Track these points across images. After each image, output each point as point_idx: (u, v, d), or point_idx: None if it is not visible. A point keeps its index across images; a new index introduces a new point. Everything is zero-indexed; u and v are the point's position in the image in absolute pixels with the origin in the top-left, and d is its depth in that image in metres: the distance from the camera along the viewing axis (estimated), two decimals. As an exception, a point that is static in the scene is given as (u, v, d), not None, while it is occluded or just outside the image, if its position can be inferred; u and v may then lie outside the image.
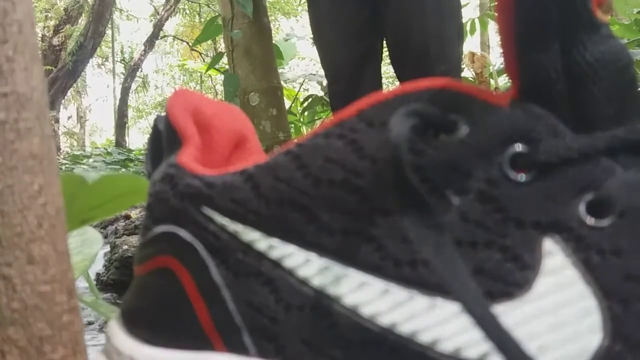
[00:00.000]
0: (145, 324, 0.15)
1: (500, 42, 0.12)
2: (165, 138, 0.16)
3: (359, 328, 0.12)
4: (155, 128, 0.17)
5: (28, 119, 0.15)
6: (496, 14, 0.12)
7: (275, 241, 0.13)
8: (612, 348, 0.11)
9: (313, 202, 0.12)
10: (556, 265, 0.11)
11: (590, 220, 0.11)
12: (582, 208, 0.11)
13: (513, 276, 0.11)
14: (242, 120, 0.18)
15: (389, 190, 0.12)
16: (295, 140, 0.13)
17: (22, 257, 0.16)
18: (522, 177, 0.12)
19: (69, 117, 10.89)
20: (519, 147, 0.12)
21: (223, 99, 1.44)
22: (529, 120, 0.12)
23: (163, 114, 0.17)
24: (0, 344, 0.16)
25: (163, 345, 0.14)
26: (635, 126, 0.12)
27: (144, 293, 0.15)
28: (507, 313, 0.11)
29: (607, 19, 0.12)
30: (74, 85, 6.94)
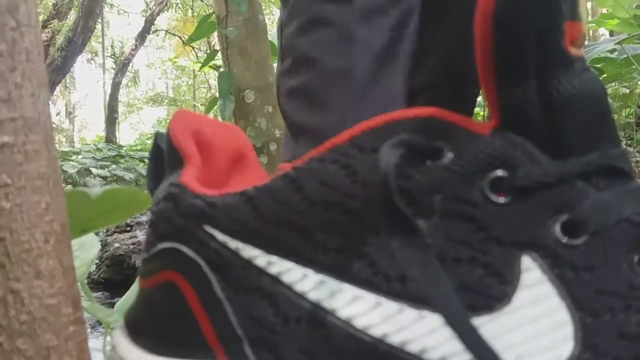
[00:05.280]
0: (149, 335, 0.16)
1: (480, 78, 0.13)
2: (167, 156, 0.17)
3: (352, 338, 0.12)
4: (156, 145, 0.18)
5: (35, 141, 0.16)
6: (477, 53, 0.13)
7: (274, 258, 0.13)
8: (582, 356, 0.11)
9: (309, 222, 0.13)
10: (533, 280, 0.12)
11: (565, 239, 0.12)
12: (557, 228, 0.12)
13: (493, 290, 0.12)
14: (240, 138, 0.19)
15: (378, 212, 0.13)
16: (292, 164, 0.14)
17: (30, 272, 0.17)
18: (501, 199, 0.13)
19: (58, 113, 10.75)
20: (499, 172, 0.13)
21: (217, 94, 1.44)
22: (509, 148, 0.13)
23: (163, 130, 0.18)
24: (9, 354, 0.17)
25: (167, 354, 0.15)
26: (607, 151, 0.13)
27: (148, 306, 0.16)
28: (487, 325, 0.12)
29: (582, 53, 0.13)
30: (62, 80, 6.84)
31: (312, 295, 0.13)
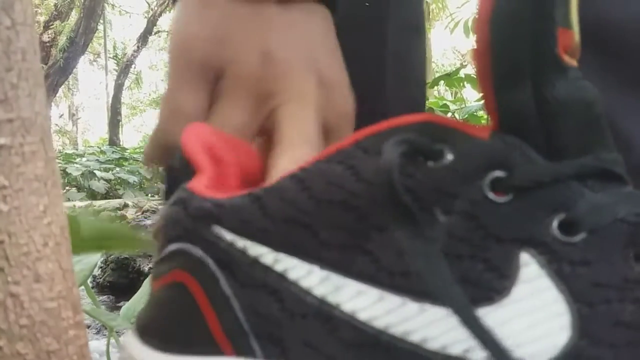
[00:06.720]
0: (159, 334, 0.16)
1: (478, 82, 0.14)
2: (181, 171, 0.17)
3: (356, 330, 0.13)
4: (170, 168, 0.18)
5: (33, 142, 0.16)
6: (474, 59, 0.14)
7: (280, 255, 0.14)
8: (579, 343, 0.12)
9: (315, 220, 0.14)
10: (532, 275, 0.13)
11: (562, 237, 0.13)
12: (555, 226, 0.13)
13: (493, 284, 0.13)
14: (251, 156, 0.19)
15: (383, 209, 0.13)
16: (299, 166, 0.15)
17: (29, 276, 0.16)
18: (501, 198, 0.13)
19: (61, 115, 10.79)
20: (498, 173, 0.13)
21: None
22: (507, 150, 0.13)
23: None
24: (9, 358, 0.16)
25: (176, 352, 0.15)
26: (601, 155, 0.13)
27: (158, 305, 0.16)
28: (487, 315, 0.12)
29: (575, 63, 0.14)
30: (65, 82, 6.87)
31: (318, 291, 0.13)
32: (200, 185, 0.16)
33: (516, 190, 0.13)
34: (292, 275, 0.14)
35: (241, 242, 0.14)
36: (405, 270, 0.13)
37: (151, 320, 0.16)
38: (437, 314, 0.12)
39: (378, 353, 0.13)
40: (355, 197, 0.13)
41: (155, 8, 6.66)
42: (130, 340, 0.16)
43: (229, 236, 0.14)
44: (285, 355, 0.13)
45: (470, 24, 2.16)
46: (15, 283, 0.16)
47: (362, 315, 0.13)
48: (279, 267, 0.14)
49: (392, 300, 0.13)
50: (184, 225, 0.15)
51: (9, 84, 0.15)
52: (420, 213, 0.13)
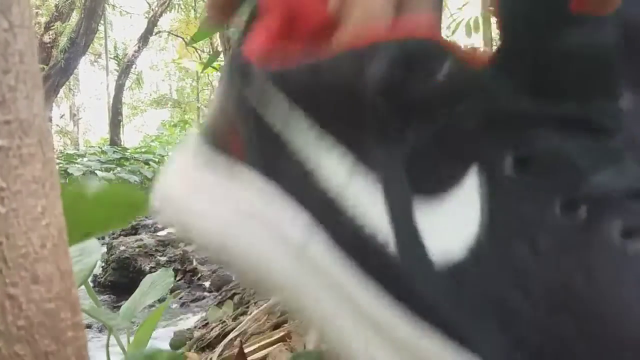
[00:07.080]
0: (210, 139, 0.20)
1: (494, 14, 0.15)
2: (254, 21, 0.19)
3: (319, 190, 0.16)
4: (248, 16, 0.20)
5: (30, 144, 0.16)
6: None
7: (286, 127, 0.17)
8: (469, 262, 0.13)
9: (318, 105, 0.16)
10: (467, 188, 0.14)
11: (511, 170, 0.14)
12: (509, 159, 0.14)
13: (437, 185, 0.14)
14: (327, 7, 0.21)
15: (365, 112, 0.15)
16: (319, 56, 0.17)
17: (27, 277, 0.16)
18: (469, 124, 0.14)
19: (62, 116, 10.79)
20: (477, 102, 0.14)
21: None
22: (492, 84, 0.14)
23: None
24: (7, 360, 0.16)
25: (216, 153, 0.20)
26: (593, 105, 0.14)
27: (213, 130, 0.20)
28: (422, 209, 0.14)
29: (599, 12, 0.14)
30: (67, 83, 6.87)
31: (302, 155, 0.16)
32: (253, 43, 0.18)
33: (485, 118, 0.14)
34: (292, 141, 0.17)
35: (264, 107, 0.18)
36: (376, 163, 0.15)
37: (206, 136, 0.20)
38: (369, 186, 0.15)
39: (323, 201, 0.16)
40: (352, 94, 0.15)
41: (156, 8, 6.66)
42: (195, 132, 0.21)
43: (253, 99, 0.18)
44: (278, 181, 0.17)
45: (472, 23, 2.16)
46: (13, 284, 0.16)
47: (326, 179, 0.16)
48: (284, 136, 0.17)
49: (355, 180, 0.15)
50: (230, 82, 0.19)
51: (6, 86, 0.15)
52: (396, 123, 0.15)
